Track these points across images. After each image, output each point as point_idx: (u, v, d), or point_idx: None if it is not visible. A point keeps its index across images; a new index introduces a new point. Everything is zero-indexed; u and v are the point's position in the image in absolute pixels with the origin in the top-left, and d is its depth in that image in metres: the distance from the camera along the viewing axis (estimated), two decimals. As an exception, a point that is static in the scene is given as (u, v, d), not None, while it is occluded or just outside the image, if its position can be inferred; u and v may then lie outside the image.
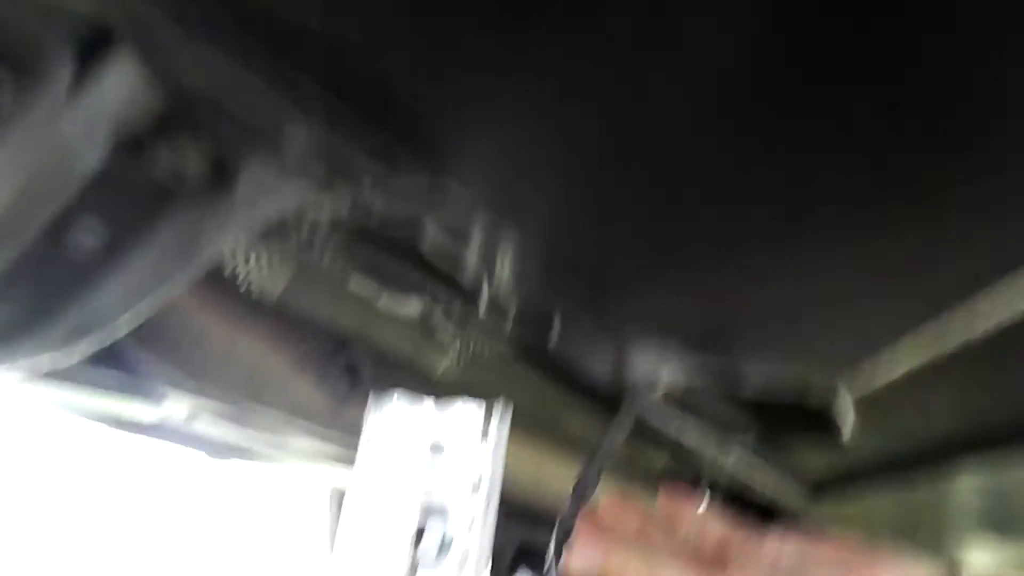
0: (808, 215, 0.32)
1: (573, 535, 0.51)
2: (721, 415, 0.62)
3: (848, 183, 0.30)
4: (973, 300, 0.33)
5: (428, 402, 0.46)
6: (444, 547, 0.44)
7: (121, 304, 0.46)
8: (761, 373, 0.45)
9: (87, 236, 0.43)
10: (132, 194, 0.40)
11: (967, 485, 0.52)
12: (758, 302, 0.40)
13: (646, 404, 0.57)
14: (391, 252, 0.39)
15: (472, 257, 0.37)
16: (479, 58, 0.27)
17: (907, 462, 0.54)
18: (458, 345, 1.01)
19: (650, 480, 0.90)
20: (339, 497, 1.14)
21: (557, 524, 0.51)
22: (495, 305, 0.43)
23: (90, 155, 0.33)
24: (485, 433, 0.46)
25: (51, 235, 0.43)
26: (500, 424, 0.47)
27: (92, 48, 0.29)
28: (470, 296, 0.42)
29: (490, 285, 0.39)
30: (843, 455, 0.60)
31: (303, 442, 1.06)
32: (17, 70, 0.32)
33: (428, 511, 0.44)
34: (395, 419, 0.46)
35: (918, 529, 0.70)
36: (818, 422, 0.56)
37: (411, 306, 0.92)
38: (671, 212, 0.34)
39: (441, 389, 0.64)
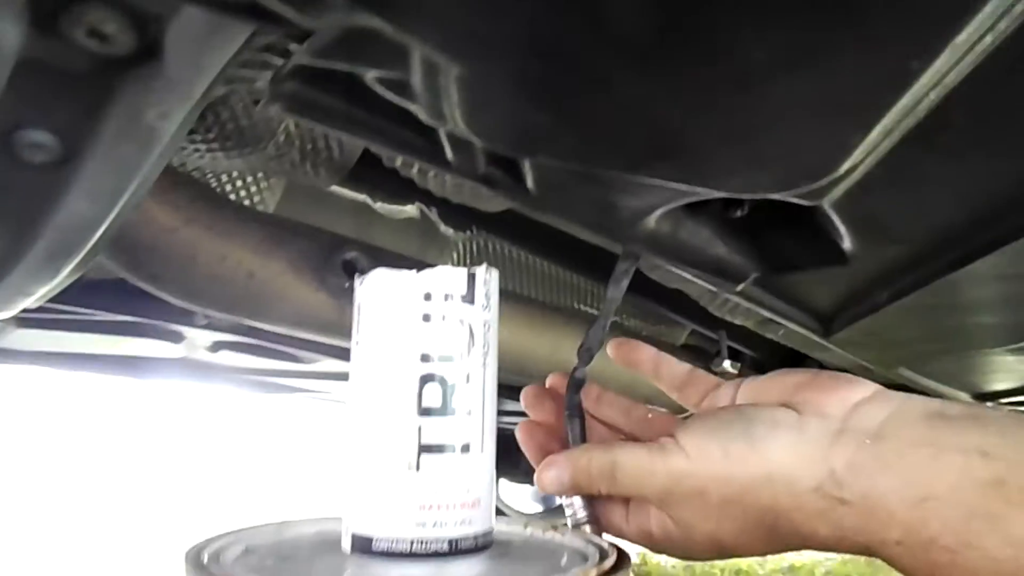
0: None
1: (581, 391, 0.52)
2: (721, 262, 0.61)
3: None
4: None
5: (411, 272, 0.45)
6: (446, 403, 0.44)
7: (92, 212, 0.46)
8: (739, 186, 0.44)
9: (38, 152, 0.42)
10: (66, 96, 0.39)
11: (981, 272, 0.51)
12: (729, 117, 0.38)
13: (642, 254, 0.56)
14: (339, 95, 0.38)
15: (419, 92, 0.36)
16: None
17: (916, 264, 0.53)
18: (461, 243, 1.01)
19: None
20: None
21: (569, 379, 0.52)
22: (460, 147, 0.41)
23: (5, 33, 0.32)
24: (472, 295, 0.46)
25: (3, 155, 0.42)
26: (487, 285, 0.46)
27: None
28: (433, 138, 0.41)
29: (443, 123, 0.37)
30: (850, 277, 0.58)
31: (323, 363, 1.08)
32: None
33: (426, 371, 0.44)
34: (382, 287, 0.46)
35: (939, 334, 0.69)
36: (816, 247, 0.55)
37: (407, 209, 0.91)
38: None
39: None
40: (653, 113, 0.37)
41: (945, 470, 0.34)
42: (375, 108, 0.39)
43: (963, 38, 0.29)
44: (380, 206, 0.88)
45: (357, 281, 0.47)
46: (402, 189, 0.80)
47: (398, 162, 0.53)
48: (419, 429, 0.43)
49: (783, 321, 0.68)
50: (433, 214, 0.90)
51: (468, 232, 0.98)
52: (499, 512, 0.49)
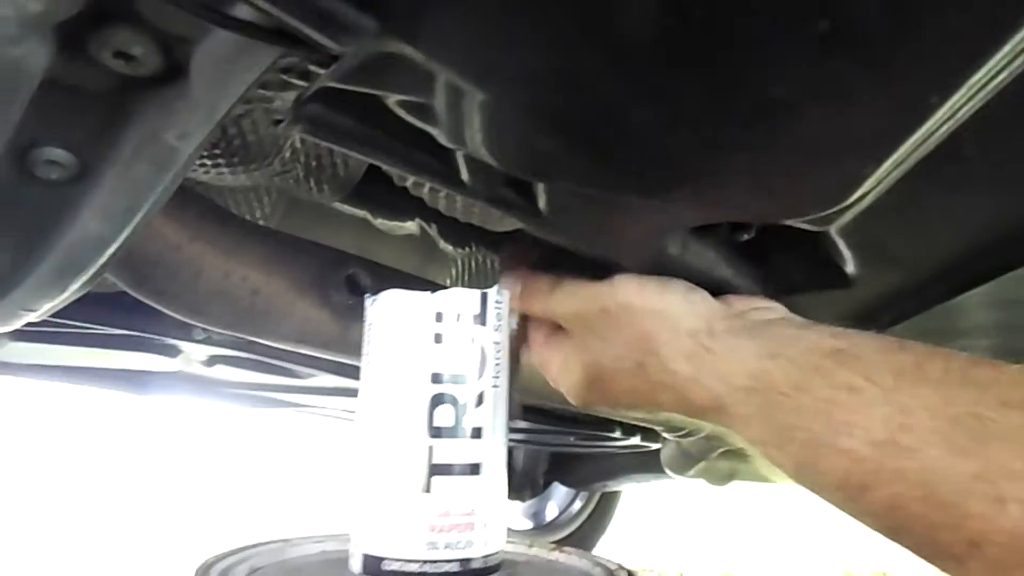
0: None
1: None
2: (726, 284, 0.62)
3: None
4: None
5: (424, 293, 0.46)
6: (458, 423, 0.44)
7: (104, 231, 0.46)
8: (752, 213, 0.44)
9: (53, 169, 0.42)
10: (85, 113, 0.39)
11: (980, 298, 0.52)
12: (743, 147, 0.39)
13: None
14: (358, 117, 0.38)
15: (441, 116, 0.36)
16: None
17: (917, 290, 0.53)
18: (460, 259, 1.01)
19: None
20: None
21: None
22: (477, 169, 0.42)
23: (33, 53, 0.32)
24: (483, 316, 0.46)
25: (18, 171, 0.42)
26: (498, 306, 0.47)
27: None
28: (449, 160, 0.41)
29: (463, 146, 0.38)
30: (852, 300, 0.59)
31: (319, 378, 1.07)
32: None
33: (438, 392, 0.44)
34: (395, 308, 0.46)
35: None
36: (820, 270, 0.55)
37: (407, 225, 0.92)
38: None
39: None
40: (670, 143, 0.37)
41: (800, 340, 0.40)
42: (392, 130, 0.39)
43: (981, 75, 0.29)
44: (380, 222, 0.88)
45: (368, 301, 0.48)
46: (403, 206, 0.80)
47: (409, 182, 0.53)
48: (430, 449, 0.44)
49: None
50: (433, 230, 0.91)
51: (467, 248, 0.98)
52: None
